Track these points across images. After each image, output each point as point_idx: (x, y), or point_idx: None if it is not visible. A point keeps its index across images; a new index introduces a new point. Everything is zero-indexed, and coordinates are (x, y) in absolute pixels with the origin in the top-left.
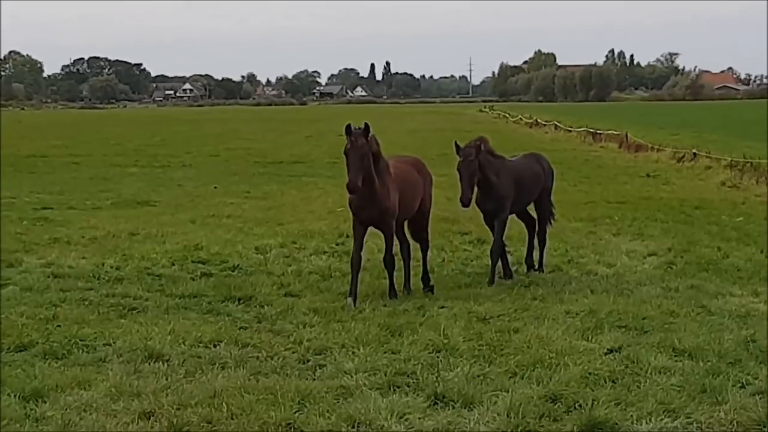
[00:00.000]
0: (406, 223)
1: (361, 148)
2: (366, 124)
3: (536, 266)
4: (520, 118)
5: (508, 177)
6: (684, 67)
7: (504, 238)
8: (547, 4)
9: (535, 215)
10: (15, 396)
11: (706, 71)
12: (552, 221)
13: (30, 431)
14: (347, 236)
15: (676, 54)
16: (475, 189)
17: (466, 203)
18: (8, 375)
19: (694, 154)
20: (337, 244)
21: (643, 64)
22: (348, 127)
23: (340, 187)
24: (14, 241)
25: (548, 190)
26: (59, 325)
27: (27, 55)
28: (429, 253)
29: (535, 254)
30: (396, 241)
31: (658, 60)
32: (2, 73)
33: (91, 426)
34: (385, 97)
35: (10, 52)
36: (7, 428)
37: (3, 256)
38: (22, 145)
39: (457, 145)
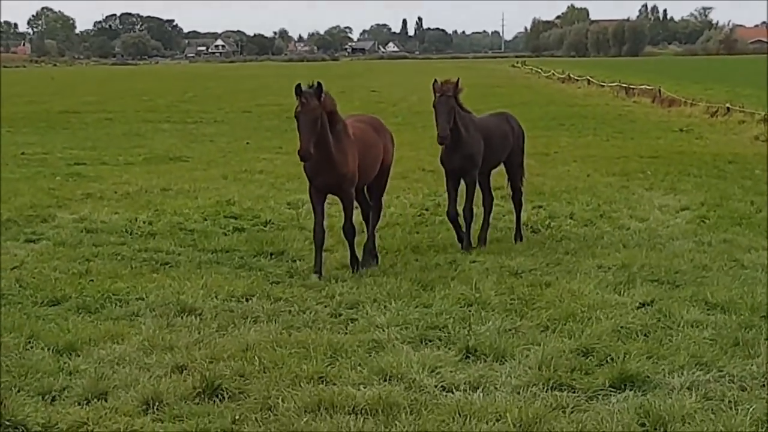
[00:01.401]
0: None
1: (313, 111)
2: (318, 83)
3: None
4: (553, 74)
5: (477, 133)
6: (718, 22)
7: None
8: None
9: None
10: (49, 349)
11: (740, 26)
12: (522, 186)
13: (64, 384)
14: None
15: (709, 8)
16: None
17: (444, 137)
18: (42, 329)
19: (728, 108)
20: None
21: (676, 18)
22: (298, 87)
23: None
24: (47, 197)
25: (518, 152)
26: (92, 280)
27: (59, 11)
28: (378, 222)
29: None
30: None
31: (691, 14)
32: (35, 30)
33: (124, 379)
34: (417, 52)
35: (43, 8)
36: (41, 381)
37: (37, 211)
38: (55, 102)
39: (435, 83)
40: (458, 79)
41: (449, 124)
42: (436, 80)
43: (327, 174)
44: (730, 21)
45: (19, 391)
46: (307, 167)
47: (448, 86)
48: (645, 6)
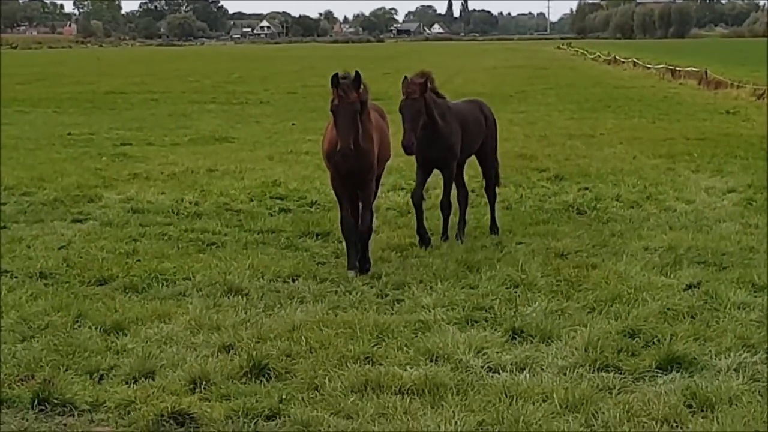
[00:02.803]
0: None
1: (352, 104)
2: (357, 72)
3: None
4: (598, 56)
5: (454, 121)
6: (765, 4)
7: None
8: None
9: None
10: (96, 329)
11: None
12: (498, 180)
13: (111, 363)
14: None
15: None
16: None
17: (409, 147)
18: (89, 308)
19: None
20: (415, 181)
21: (723, 0)
22: (335, 77)
23: None
24: (94, 177)
25: (491, 141)
26: (139, 260)
27: None
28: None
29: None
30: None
31: None
32: (81, 10)
33: (171, 358)
34: (462, 34)
35: None
36: (89, 360)
37: (84, 191)
38: (101, 82)
39: (404, 80)
40: (429, 75)
41: (415, 131)
42: (405, 77)
43: (354, 163)
44: None
45: (67, 370)
46: (331, 154)
47: (414, 87)
48: None
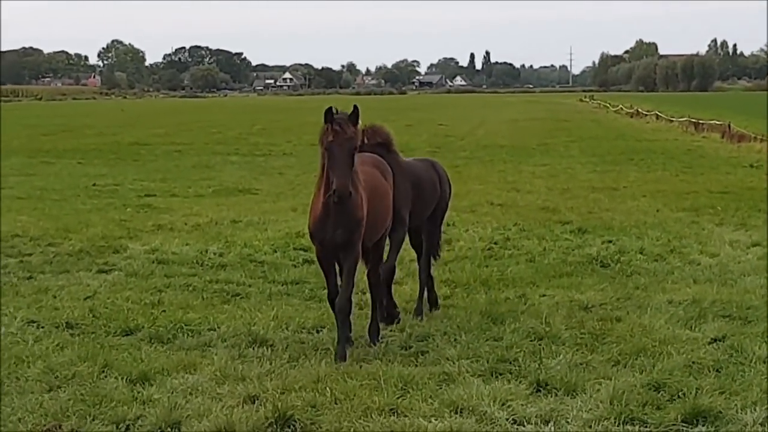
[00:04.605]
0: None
1: (350, 141)
2: (355, 106)
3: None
4: (621, 108)
5: (405, 180)
6: None
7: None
8: None
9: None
10: (122, 379)
11: None
12: (438, 253)
13: (137, 413)
14: (450, 224)
15: None
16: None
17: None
18: (115, 358)
19: None
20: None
21: (746, 53)
22: (329, 111)
23: None
24: (119, 228)
25: (443, 207)
26: (164, 310)
27: (129, 44)
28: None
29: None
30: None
31: (761, 49)
32: (105, 62)
33: (197, 409)
34: (484, 86)
35: (113, 41)
36: (115, 410)
37: (109, 242)
38: (125, 133)
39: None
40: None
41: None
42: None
43: (338, 222)
44: None
45: (93, 420)
46: (317, 220)
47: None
48: (714, 41)
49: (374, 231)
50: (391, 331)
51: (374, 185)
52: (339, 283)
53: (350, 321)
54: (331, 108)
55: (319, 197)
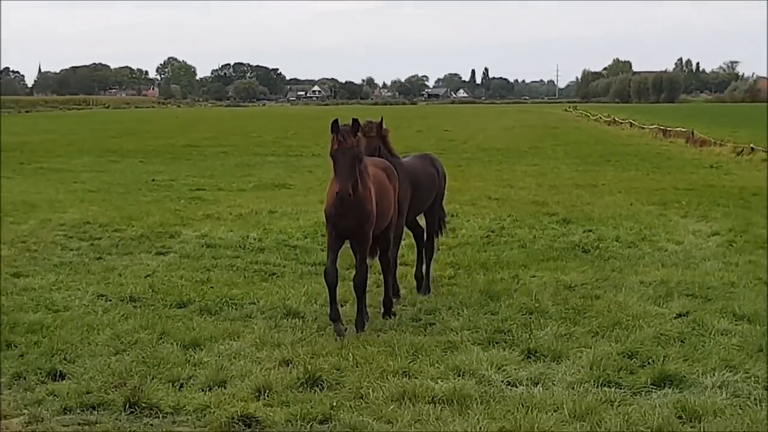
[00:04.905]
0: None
1: (352, 149)
2: (354, 119)
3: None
4: (600, 117)
5: (405, 180)
6: (743, 74)
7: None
8: (626, 12)
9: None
10: (177, 344)
11: (762, 77)
12: (443, 231)
13: (190, 374)
14: (454, 215)
15: (736, 62)
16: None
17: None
18: (171, 327)
19: (752, 148)
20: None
21: (707, 70)
22: (335, 123)
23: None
24: (174, 217)
25: (441, 195)
26: (212, 287)
27: (183, 60)
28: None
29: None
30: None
31: (720, 67)
32: (162, 76)
33: (239, 370)
34: (483, 98)
35: (169, 58)
36: (171, 371)
37: (166, 228)
38: (179, 137)
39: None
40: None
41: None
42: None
43: (351, 215)
44: (753, 73)
45: (152, 379)
46: (331, 209)
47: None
48: (680, 59)
49: (380, 222)
50: (403, 306)
51: (380, 184)
52: (335, 262)
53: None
54: (336, 120)
55: (333, 188)
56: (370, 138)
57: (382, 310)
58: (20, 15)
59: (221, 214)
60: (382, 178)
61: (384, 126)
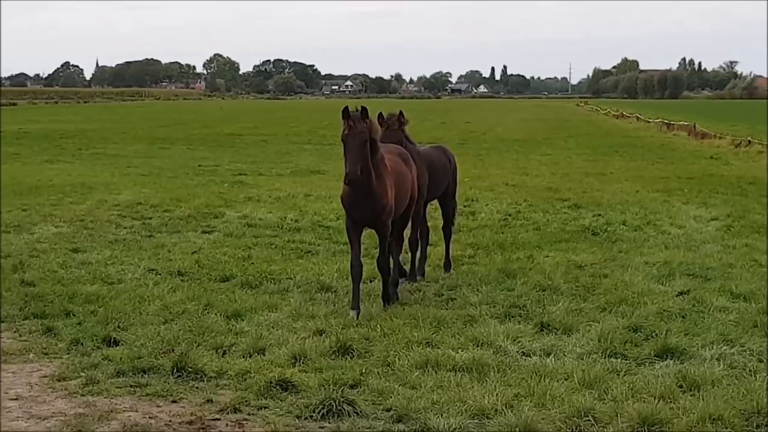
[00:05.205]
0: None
1: (361, 134)
2: (363, 107)
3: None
4: (609, 111)
5: (421, 165)
6: (741, 73)
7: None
8: (632, 14)
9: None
10: (220, 315)
11: (760, 76)
12: (455, 220)
13: (232, 342)
14: (474, 200)
15: (735, 62)
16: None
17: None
18: (215, 299)
19: (749, 141)
20: (464, 206)
21: (708, 69)
22: (345, 110)
23: (467, 161)
24: (218, 199)
25: (454, 184)
26: (253, 263)
27: (227, 56)
28: (401, 256)
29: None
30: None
31: (720, 66)
32: (208, 71)
33: (277, 339)
34: (502, 93)
35: (215, 54)
36: (215, 339)
37: (210, 209)
38: (223, 126)
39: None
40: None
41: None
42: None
43: (366, 205)
44: (751, 72)
45: (198, 346)
46: (346, 198)
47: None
48: (684, 59)
49: (399, 207)
50: (426, 282)
51: (397, 171)
52: (360, 255)
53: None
54: (347, 107)
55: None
56: (394, 131)
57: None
58: (79, 15)
59: (261, 196)
60: (399, 164)
61: (404, 117)
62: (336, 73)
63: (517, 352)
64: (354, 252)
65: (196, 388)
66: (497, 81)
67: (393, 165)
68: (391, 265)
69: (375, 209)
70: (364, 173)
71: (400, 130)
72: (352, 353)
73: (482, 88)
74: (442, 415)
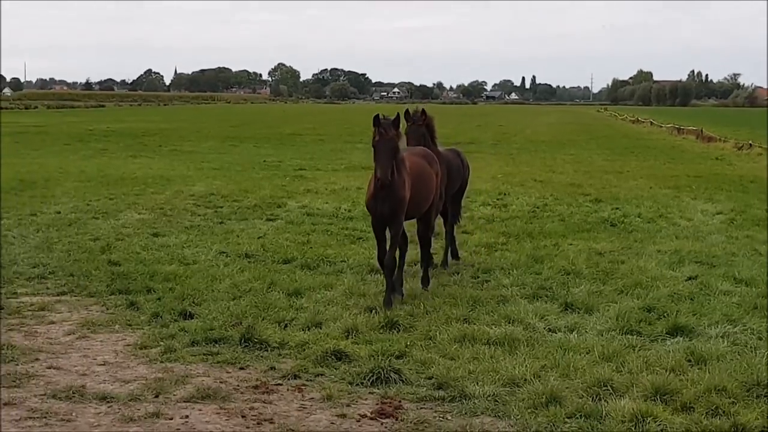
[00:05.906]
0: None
1: (392, 140)
2: (398, 114)
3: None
4: (626, 117)
5: (442, 165)
6: (744, 84)
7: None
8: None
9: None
10: (282, 293)
11: (760, 87)
12: (459, 220)
13: (292, 316)
14: (506, 194)
15: (738, 74)
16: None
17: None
18: (278, 279)
19: (750, 144)
20: (498, 199)
21: (714, 81)
22: (376, 117)
23: (500, 159)
24: (281, 191)
25: (465, 186)
26: (311, 247)
27: (290, 66)
28: (430, 250)
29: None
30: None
31: (725, 78)
32: (273, 78)
33: (332, 314)
34: (531, 100)
35: (279, 64)
36: (278, 313)
37: (274, 200)
38: (285, 127)
39: (407, 113)
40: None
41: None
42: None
43: (387, 199)
44: (752, 83)
45: (263, 320)
46: (370, 200)
47: (417, 116)
48: (692, 71)
49: (420, 206)
50: (464, 266)
51: (420, 171)
52: (387, 249)
53: (400, 275)
54: (378, 115)
55: (374, 181)
56: (418, 126)
57: (422, 280)
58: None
59: (318, 189)
60: (422, 165)
61: (427, 114)
62: (385, 81)
63: (544, 328)
64: (380, 248)
65: (261, 356)
66: (527, 89)
67: (416, 166)
68: (397, 264)
69: (393, 204)
70: (392, 175)
71: (423, 126)
72: (398, 328)
73: (513, 96)
74: (477, 383)
